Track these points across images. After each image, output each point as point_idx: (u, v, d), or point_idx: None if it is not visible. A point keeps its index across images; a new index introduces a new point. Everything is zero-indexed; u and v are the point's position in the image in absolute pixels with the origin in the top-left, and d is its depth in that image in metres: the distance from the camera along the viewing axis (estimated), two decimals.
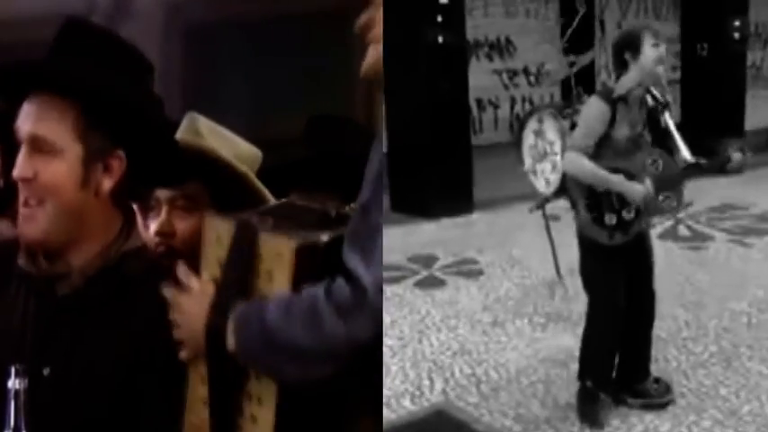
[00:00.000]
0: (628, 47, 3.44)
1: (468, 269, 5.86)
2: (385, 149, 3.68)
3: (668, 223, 6.42)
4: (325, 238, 1.76)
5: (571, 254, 3.76)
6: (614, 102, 3.40)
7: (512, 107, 9.83)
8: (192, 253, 1.97)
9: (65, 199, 2.00)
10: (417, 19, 7.17)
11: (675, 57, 9.59)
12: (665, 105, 3.57)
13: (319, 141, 2.71)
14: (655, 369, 3.89)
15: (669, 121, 3.57)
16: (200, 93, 5.59)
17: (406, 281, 5.65)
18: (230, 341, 1.74)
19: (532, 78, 9.97)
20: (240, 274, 1.77)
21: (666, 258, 5.40)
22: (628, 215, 3.45)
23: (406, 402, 3.93)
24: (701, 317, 4.75)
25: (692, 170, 3.55)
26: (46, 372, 1.98)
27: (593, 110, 3.46)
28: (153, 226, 2.33)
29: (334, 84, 5.65)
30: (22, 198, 2.01)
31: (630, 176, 3.44)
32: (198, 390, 1.81)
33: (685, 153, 3.52)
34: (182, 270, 1.86)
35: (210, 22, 6.07)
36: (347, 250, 1.68)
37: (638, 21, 9.85)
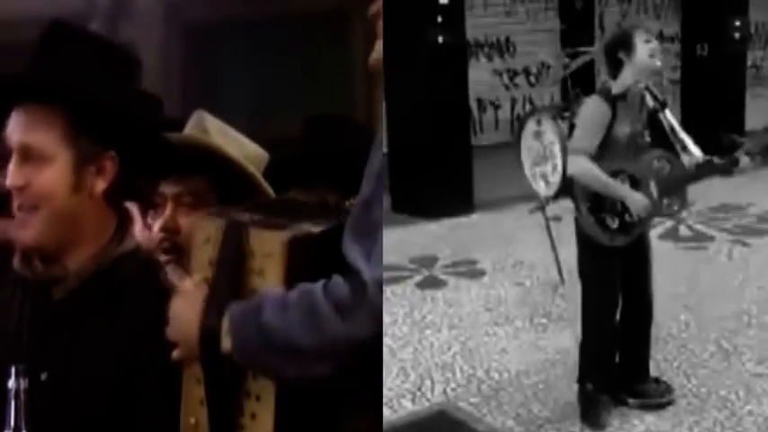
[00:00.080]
0: (621, 46, 3.45)
1: (468, 270, 5.85)
2: (385, 150, 3.68)
3: (669, 224, 6.41)
4: (318, 228, 1.75)
5: (572, 254, 3.76)
6: (614, 100, 3.41)
7: (512, 107, 9.83)
8: None
9: (58, 204, 2.00)
10: (417, 19, 7.16)
11: (675, 57, 9.58)
12: (664, 104, 3.58)
13: (318, 141, 2.71)
14: (655, 369, 3.89)
15: (672, 120, 3.57)
16: (200, 92, 5.60)
17: (406, 281, 5.65)
18: (226, 342, 1.71)
19: (533, 78, 9.97)
20: (232, 272, 1.75)
21: (667, 258, 5.40)
22: (630, 218, 3.46)
23: (407, 402, 3.93)
24: (701, 317, 4.75)
25: (704, 171, 3.54)
26: (44, 377, 1.97)
27: (593, 110, 3.46)
28: (158, 222, 2.33)
29: (333, 83, 5.65)
30: (15, 204, 2.01)
31: (635, 180, 3.44)
32: (194, 390, 1.80)
33: (696, 151, 3.52)
34: (172, 272, 1.85)
35: (210, 21, 6.08)
36: (347, 243, 1.66)
37: (639, 21, 9.84)
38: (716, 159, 3.54)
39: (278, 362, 1.68)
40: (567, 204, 3.71)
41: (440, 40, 7.15)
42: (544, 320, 4.84)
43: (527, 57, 9.85)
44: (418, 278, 5.73)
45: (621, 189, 3.42)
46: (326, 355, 1.65)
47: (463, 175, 7.40)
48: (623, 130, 3.42)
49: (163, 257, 2.26)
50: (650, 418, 3.64)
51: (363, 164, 1.72)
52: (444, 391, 4.02)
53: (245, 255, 1.75)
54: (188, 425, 1.81)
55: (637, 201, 3.42)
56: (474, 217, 7.23)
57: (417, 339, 4.67)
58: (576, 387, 3.70)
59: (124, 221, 2.12)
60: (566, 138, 5.10)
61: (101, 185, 2.04)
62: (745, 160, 3.45)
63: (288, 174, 2.48)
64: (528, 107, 9.60)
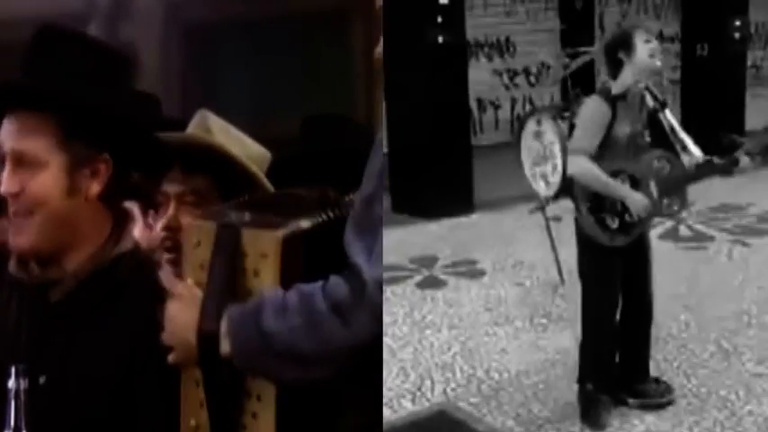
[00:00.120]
0: (621, 46, 3.45)
1: (468, 270, 5.85)
2: (385, 150, 3.68)
3: (669, 224, 6.41)
4: (311, 223, 1.73)
5: (572, 255, 3.76)
6: (614, 100, 3.41)
7: (512, 107, 9.83)
8: None
9: (53, 208, 2.00)
10: (417, 19, 7.16)
11: (675, 57, 9.58)
12: (664, 104, 3.58)
13: (315, 140, 2.71)
14: (655, 369, 3.89)
15: (673, 120, 3.57)
16: (199, 92, 5.60)
17: (406, 281, 5.65)
18: (225, 345, 1.70)
19: (533, 78, 9.97)
20: (226, 274, 1.73)
21: (667, 258, 5.39)
22: (630, 218, 3.46)
23: (407, 402, 3.93)
24: (701, 317, 4.75)
25: (704, 171, 3.54)
26: (42, 380, 1.97)
27: (593, 110, 3.46)
28: (161, 221, 2.33)
29: (333, 83, 5.65)
30: (11, 211, 2.01)
31: (635, 180, 3.44)
32: (193, 392, 1.78)
33: (696, 151, 3.52)
34: (165, 275, 1.83)
35: (210, 21, 6.07)
36: (349, 239, 1.65)
37: (639, 21, 9.84)
38: (716, 159, 3.54)
39: (278, 366, 1.67)
40: (567, 204, 3.71)
41: (440, 40, 7.15)
42: (544, 320, 4.84)
43: (527, 57, 9.85)
44: (418, 278, 5.73)
45: (622, 189, 3.42)
46: (327, 359, 1.64)
47: (463, 175, 7.40)
48: (623, 130, 3.42)
49: (166, 256, 2.26)
50: (650, 418, 3.64)
51: (362, 163, 1.72)
52: (444, 391, 4.02)
53: (238, 256, 1.73)
54: (188, 427, 1.80)
55: (637, 201, 3.42)
56: (474, 217, 7.23)
57: (417, 339, 4.67)
58: (576, 387, 3.70)
59: (120, 222, 2.12)
60: (566, 138, 5.10)
61: (95, 188, 2.04)
62: (745, 160, 3.45)
63: (289, 173, 2.48)
64: (528, 107, 9.60)
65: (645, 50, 3.41)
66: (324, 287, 1.65)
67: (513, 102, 9.86)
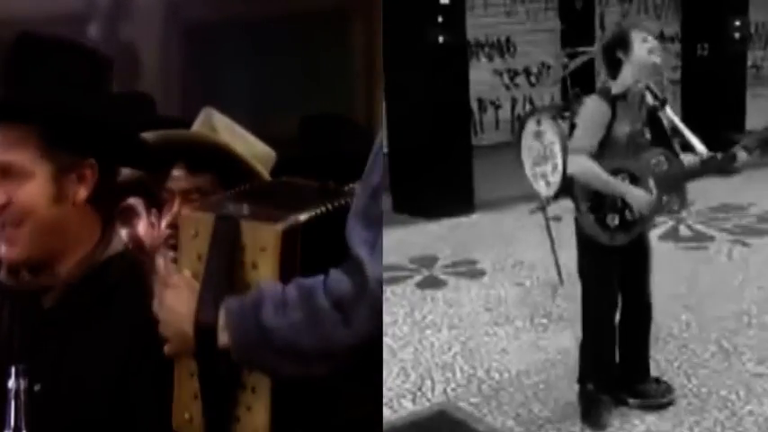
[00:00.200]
0: (619, 45, 3.45)
1: (469, 270, 5.85)
2: (385, 150, 3.68)
3: (669, 224, 6.41)
4: (310, 215, 1.72)
5: (572, 255, 3.76)
6: (614, 100, 3.41)
7: (512, 107, 9.83)
8: None
9: (42, 217, 2.00)
10: (417, 19, 7.16)
11: (676, 57, 9.58)
12: (664, 102, 3.58)
13: (314, 140, 2.71)
14: (655, 369, 3.89)
15: (674, 117, 3.57)
16: (199, 92, 5.59)
17: (406, 281, 5.65)
18: (223, 337, 1.69)
19: (533, 78, 9.97)
20: (224, 266, 1.72)
21: (667, 258, 5.39)
22: (631, 216, 3.45)
23: (407, 402, 3.92)
24: (701, 317, 4.75)
25: (702, 168, 3.53)
26: (37, 387, 1.96)
27: (593, 109, 3.46)
28: (165, 218, 2.33)
29: (333, 84, 5.64)
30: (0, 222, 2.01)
31: (634, 178, 3.44)
32: (187, 385, 1.77)
33: (700, 147, 3.52)
34: (162, 265, 1.81)
35: (210, 21, 6.07)
36: (351, 229, 1.63)
37: (639, 21, 9.83)
38: (719, 155, 3.54)
39: (277, 361, 1.66)
40: (567, 204, 3.70)
41: (440, 40, 7.14)
42: (544, 320, 4.84)
43: (527, 57, 9.85)
44: (418, 278, 5.73)
45: (623, 186, 3.41)
46: (327, 356, 1.63)
47: (463, 175, 7.39)
48: (623, 129, 3.42)
49: (170, 254, 2.26)
50: (651, 418, 3.64)
51: (362, 164, 1.71)
52: (444, 391, 4.02)
53: (237, 248, 1.71)
54: (182, 420, 1.78)
55: (639, 197, 3.41)
56: (474, 217, 7.23)
57: (417, 339, 4.67)
58: (576, 387, 3.70)
59: (109, 225, 2.11)
60: (566, 138, 5.10)
61: (83, 193, 2.04)
62: (742, 155, 3.44)
63: (288, 174, 2.48)
64: (528, 107, 9.59)
65: (643, 48, 3.40)
66: (325, 282, 1.63)
67: (514, 102, 9.86)
